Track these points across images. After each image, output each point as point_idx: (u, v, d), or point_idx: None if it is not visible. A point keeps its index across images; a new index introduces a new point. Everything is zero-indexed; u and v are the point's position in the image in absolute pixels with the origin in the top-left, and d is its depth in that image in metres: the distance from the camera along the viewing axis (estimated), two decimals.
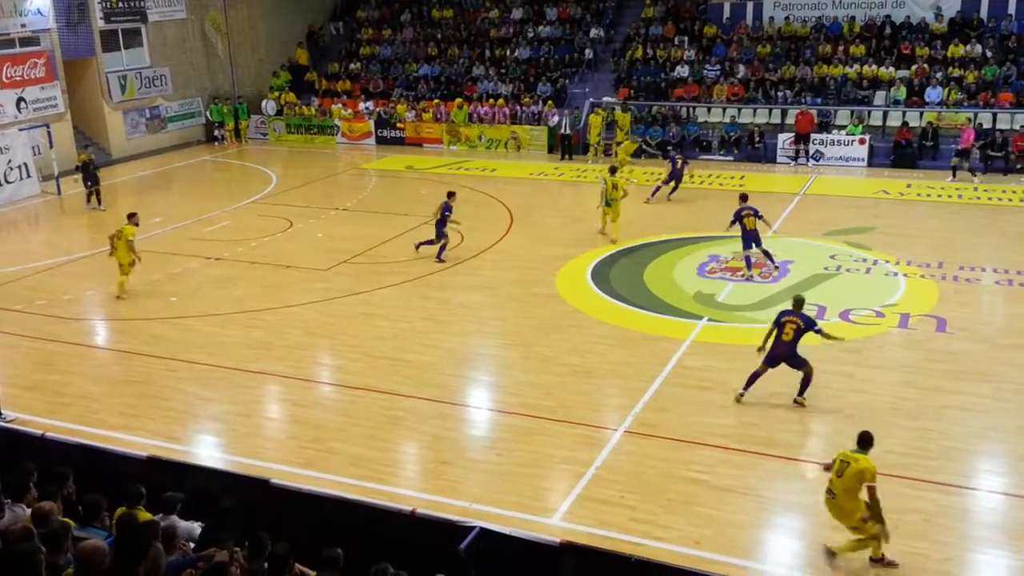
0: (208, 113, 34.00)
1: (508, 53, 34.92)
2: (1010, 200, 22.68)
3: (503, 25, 36.20)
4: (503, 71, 34.22)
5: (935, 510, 9.56)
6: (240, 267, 18.58)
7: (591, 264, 18.10)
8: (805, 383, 11.94)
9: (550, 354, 13.89)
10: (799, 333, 11.81)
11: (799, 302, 12.21)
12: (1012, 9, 29.18)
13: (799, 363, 11.92)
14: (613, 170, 20.62)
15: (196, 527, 7.57)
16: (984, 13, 29.53)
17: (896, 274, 17.07)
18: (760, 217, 17.26)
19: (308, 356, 14.23)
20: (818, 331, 11.89)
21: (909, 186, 24.12)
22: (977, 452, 10.92)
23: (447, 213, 18.43)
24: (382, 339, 14.64)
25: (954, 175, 24.66)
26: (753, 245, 17.28)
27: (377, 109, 33.77)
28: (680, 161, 23.40)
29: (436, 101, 33.02)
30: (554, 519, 9.60)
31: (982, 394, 12.07)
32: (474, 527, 7.74)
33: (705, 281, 16.98)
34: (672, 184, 23.18)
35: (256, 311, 16.01)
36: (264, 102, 34.77)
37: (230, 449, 11.38)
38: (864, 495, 8.44)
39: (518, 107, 31.92)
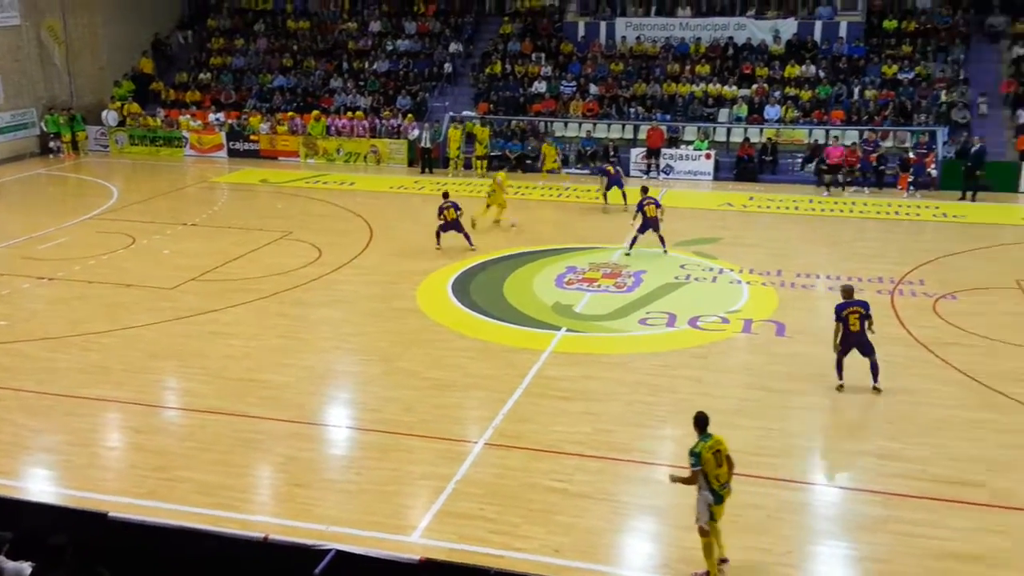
0: (43, 124, 32.09)
1: (367, 66, 34.66)
2: (842, 211, 24.21)
3: (361, 38, 35.91)
4: (361, 84, 33.92)
5: (777, 505, 10.04)
6: (77, 287, 17.59)
7: (451, 278, 18.13)
8: (875, 371, 12.67)
9: (411, 368, 13.80)
10: (863, 320, 12.51)
11: (849, 291, 12.90)
12: (843, 32, 31.27)
13: (870, 351, 12.64)
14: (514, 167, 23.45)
15: (26, 567, 7.08)
16: (817, 36, 31.52)
17: (740, 282, 17.90)
18: (660, 207, 19.44)
19: (151, 380, 13.57)
20: (870, 316, 12.61)
21: (751, 198, 25.37)
22: (816, 448, 11.56)
23: (459, 212, 19.78)
24: (233, 359, 14.16)
25: (828, 190, 26.00)
26: (650, 231, 19.37)
27: (229, 121, 32.79)
28: (612, 169, 24.07)
29: (292, 113, 32.37)
30: (414, 536, 9.51)
31: (819, 394, 12.79)
32: (329, 550, 7.57)
33: (563, 292, 17.31)
34: (618, 190, 23.67)
35: (94, 334, 15.18)
36: (105, 113, 33.12)
37: (64, 482, 10.73)
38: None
39: (377, 120, 31.69)
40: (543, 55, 33.45)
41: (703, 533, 8.75)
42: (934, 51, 30.30)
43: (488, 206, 22.01)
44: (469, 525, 9.67)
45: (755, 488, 10.34)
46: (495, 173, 24.03)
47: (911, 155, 26.37)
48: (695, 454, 8.63)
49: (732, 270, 18.61)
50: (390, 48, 35.20)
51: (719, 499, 8.70)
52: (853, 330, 12.51)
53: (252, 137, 32.03)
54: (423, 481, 10.61)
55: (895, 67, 29.88)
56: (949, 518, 9.71)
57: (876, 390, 12.70)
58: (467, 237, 19.99)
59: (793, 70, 30.69)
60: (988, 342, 14.56)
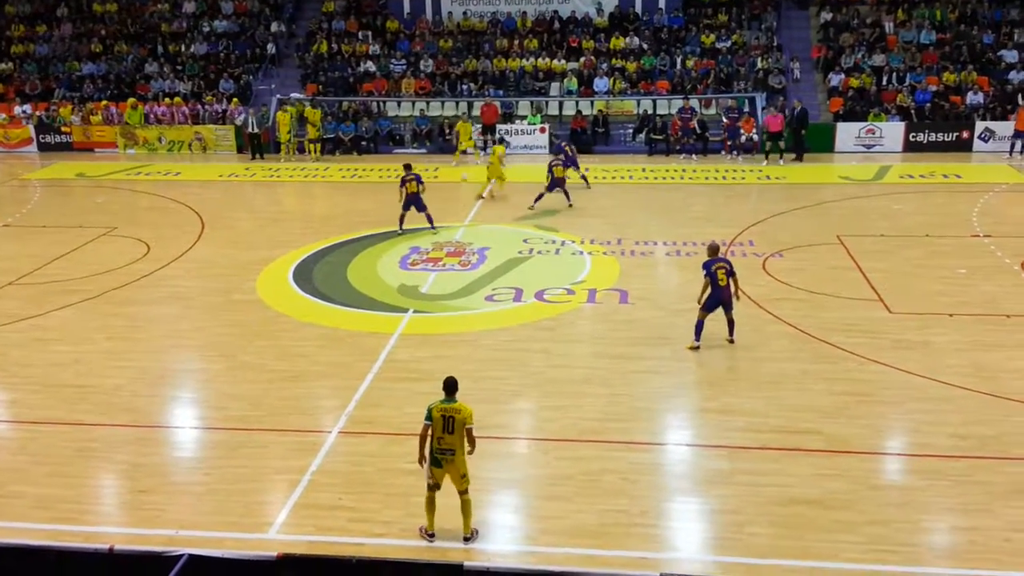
0: None
1: (183, 49, 32.97)
2: (672, 179, 25.13)
3: (175, 19, 34.09)
4: (179, 68, 32.26)
5: (629, 468, 10.32)
6: None
7: (292, 266, 17.58)
8: (732, 326, 13.37)
9: (256, 362, 13.30)
10: (729, 275, 13.09)
11: (715, 248, 13.47)
12: (663, 3, 32.31)
13: (730, 307, 13.23)
14: (502, 140, 24.83)
15: None
16: (639, 8, 32.44)
17: (582, 253, 18.27)
18: (567, 166, 20.72)
19: None
20: (735, 276, 13.22)
21: (587, 170, 25.89)
22: (663, 410, 11.95)
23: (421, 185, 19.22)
24: (61, 365, 13.21)
25: (767, 159, 26.51)
26: (557, 189, 20.73)
27: (37, 113, 30.47)
28: (568, 148, 23.77)
29: (105, 102, 30.42)
30: (271, 533, 9.18)
31: (663, 356, 13.24)
32: (181, 555, 7.20)
33: (408, 273, 17.12)
34: (576, 172, 23.39)
35: None
36: None
37: None
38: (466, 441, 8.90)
39: (199, 106, 30.26)
40: (370, 33, 32.86)
41: (428, 488, 8.98)
42: (748, 19, 31.82)
43: (489, 179, 22.81)
44: (328, 516, 9.44)
45: (608, 452, 10.60)
46: (494, 147, 24.42)
47: (724, 120, 27.62)
48: (428, 410, 8.89)
49: (574, 242, 18.96)
50: (207, 29, 33.61)
51: (436, 462, 8.88)
52: (721, 285, 13.09)
53: (64, 129, 29.94)
54: (277, 476, 10.26)
55: (713, 36, 31.19)
56: (790, 466, 10.27)
57: (731, 342, 13.45)
58: (428, 217, 19.42)
59: (618, 42, 31.49)
60: (813, 295, 15.50)
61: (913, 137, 27.46)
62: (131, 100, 30.13)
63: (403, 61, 31.61)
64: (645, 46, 31.29)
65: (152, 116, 30.01)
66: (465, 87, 30.66)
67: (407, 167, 19.45)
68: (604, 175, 25.58)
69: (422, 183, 19.29)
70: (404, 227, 19.52)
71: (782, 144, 26.50)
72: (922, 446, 10.75)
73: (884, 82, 29.14)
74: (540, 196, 20.78)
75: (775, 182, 24.15)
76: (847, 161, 26.63)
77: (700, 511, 9.60)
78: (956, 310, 14.69)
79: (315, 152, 28.25)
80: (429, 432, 8.83)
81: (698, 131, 27.66)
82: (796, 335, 13.91)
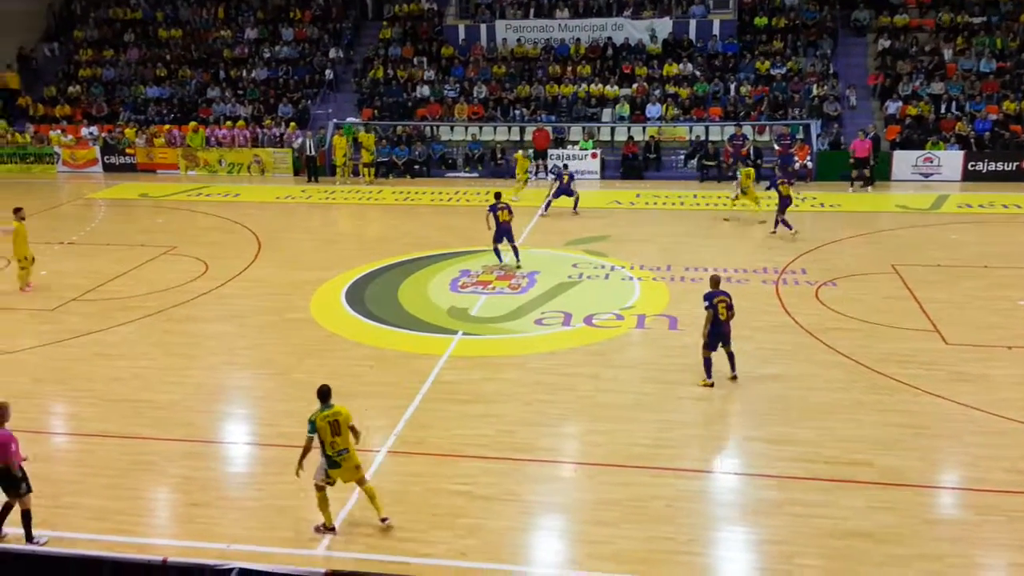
0: None
1: (244, 74, 33.84)
2: (724, 205, 24.98)
3: (237, 45, 35.03)
4: (240, 92, 33.10)
5: (676, 495, 10.25)
6: None
7: (345, 287, 17.85)
8: (733, 359, 13.05)
9: (307, 380, 13.45)
10: (730, 309, 12.84)
11: (716, 280, 13.29)
12: (716, 30, 32.31)
13: (728, 341, 12.99)
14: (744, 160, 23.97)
15: None
16: (692, 34, 32.47)
17: (631, 278, 18.25)
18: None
19: (35, 405, 12.88)
20: (732, 308, 12.94)
21: (638, 195, 25.92)
22: (711, 437, 11.88)
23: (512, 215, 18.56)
24: (120, 380, 13.57)
25: (852, 185, 26.27)
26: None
27: (102, 134, 31.49)
28: (566, 176, 23.91)
29: (168, 125, 31.31)
30: (319, 550, 9.31)
31: (715, 384, 13.13)
32: (231, 569, 7.35)
33: (458, 296, 17.27)
34: (568, 198, 23.72)
35: None
36: None
37: None
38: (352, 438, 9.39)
39: (259, 129, 30.99)
40: (425, 59, 33.38)
41: (318, 488, 9.45)
42: (804, 46, 31.66)
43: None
44: (375, 535, 9.53)
45: (655, 479, 10.55)
46: (516, 153, 26.32)
47: (776, 147, 27.39)
48: (311, 422, 9.30)
49: (623, 267, 18.96)
50: (268, 55, 34.47)
51: (334, 464, 9.34)
52: (722, 318, 12.85)
53: (128, 150, 30.86)
54: (327, 493, 10.38)
55: (768, 63, 31.07)
56: (842, 498, 10.10)
57: (734, 378, 13.10)
58: (515, 250, 18.70)
59: (671, 68, 31.53)
60: (868, 325, 15.27)
61: (972, 166, 26.98)
62: (192, 123, 30.98)
63: (457, 87, 32.03)
64: (698, 73, 31.28)
65: (213, 139, 30.81)
66: (517, 112, 30.94)
67: (497, 196, 18.85)
68: (655, 201, 25.54)
69: (512, 213, 18.63)
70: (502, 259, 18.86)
71: (867, 172, 26.19)
72: (977, 480, 10.51)
73: (943, 110, 28.71)
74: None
75: (829, 210, 23.91)
76: (904, 190, 26.23)
77: (748, 541, 9.49)
78: (1014, 343, 14.35)
79: (369, 175, 28.71)
80: (315, 442, 9.31)
81: (752, 158, 27.48)
82: (849, 365, 13.71)
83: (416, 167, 29.56)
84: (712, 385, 12.96)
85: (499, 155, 29.14)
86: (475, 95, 31.65)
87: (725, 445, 11.71)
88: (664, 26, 32.66)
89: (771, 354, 13.91)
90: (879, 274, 18.09)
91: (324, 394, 9.46)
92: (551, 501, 10.29)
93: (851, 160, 26.35)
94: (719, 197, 25.84)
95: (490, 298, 17.13)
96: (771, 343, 14.30)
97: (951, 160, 27.06)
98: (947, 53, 30.31)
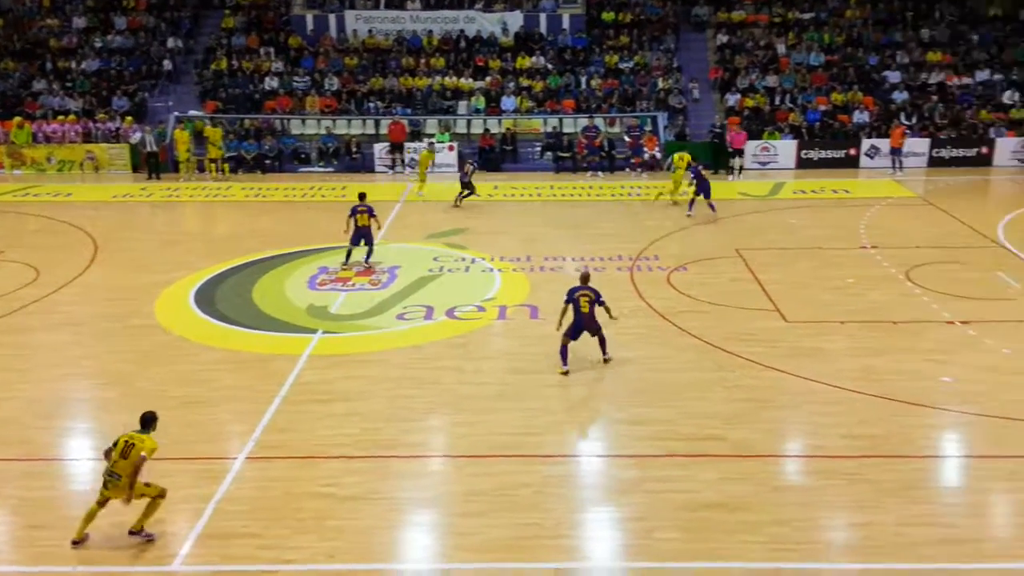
0: None
1: (74, 65, 31.84)
2: (579, 196, 25.49)
3: (64, 34, 32.92)
4: (69, 85, 31.13)
5: (542, 481, 10.38)
6: None
7: (193, 288, 17.11)
8: (604, 344, 13.38)
9: (154, 389, 12.86)
10: (592, 304, 13.15)
11: (585, 277, 13.59)
12: (566, 24, 32.87)
13: (597, 329, 13.26)
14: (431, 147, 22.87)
15: None
16: (543, 28, 32.90)
17: (492, 270, 18.34)
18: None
19: None
20: (603, 303, 13.23)
21: (496, 187, 26.05)
22: (575, 422, 12.08)
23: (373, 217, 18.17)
24: None
25: (730, 173, 27.37)
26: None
27: None
28: (469, 168, 23.75)
29: None
30: (175, 565, 8.88)
31: (574, 370, 13.33)
32: None
33: (317, 294, 16.87)
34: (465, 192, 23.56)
35: None
36: None
37: None
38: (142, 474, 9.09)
39: (92, 124, 29.22)
40: (272, 49, 32.40)
41: (96, 502, 9.21)
42: (649, 41, 32.65)
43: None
44: (235, 544, 9.18)
45: (522, 467, 10.65)
46: (423, 151, 26.13)
47: (626, 139, 28.26)
48: (118, 438, 9.25)
49: (483, 259, 19.02)
50: (100, 45, 32.57)
51: (104, 483, 9.15)
52: (583, 312, 13.18)
53: None
54: (181, 505, 9.91)
55: (616, 57, 31.87)
56: (697, 472, 10.49)
57: (606, 362, 13.49)
58: (370, 252, 18.04)
59: (524, 61, 31.86)
60: (716, 307, 15.93)
61: (805, 154, 28.57)
62: (17, 119, 28.87)
63: (307, 78, 31.26)
64: (550, 66, 31.74)
65: (41, 135, 28.85)
66: (372, 105, 30.51)
67: (361, 196, 18.43)
68: (513, 192, 25.76)
69: (374, 216, 18.24)
70: (349, 261, 18.15)
71: (742, 162, 27.56)
72: (818, 448, 11.16)
73: (777, 102, 30.27)
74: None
75: (679, 198, 24.74)
76: (745, 178, 27.48)
77: (611, 519, 9.72)
78: (847, 318, 15.31)
79: (215, 171, 27.61)
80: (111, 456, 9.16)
81: (605, 149, 28.15)
82: (700, 346, 14.25)
83: (267, 162, 28.65)
84: (567, 373, 13.17)
85: (354, 149, 28.64)
86: (327, 87, 30.99)
87: (587, 429, 11.94)
88: (515, 19, 32.95)
89: (629, 339, 14.27)
90: (725, 258, 18.89)
91: (145, 421, 9.33)
92: (418, 496, 10.20)
93: (730, 150, 27.71)
94: (574, 187, 26.34)
95: (350, 295, 16.81)
96: (628, 328, 14.68)
97: (786, 149, 28.57)
98: (780, 48, 31.97)
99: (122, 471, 8.96)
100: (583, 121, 29.17)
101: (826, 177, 27.09)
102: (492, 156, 28.70)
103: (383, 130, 29.42)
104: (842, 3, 33.33)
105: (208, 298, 16.61)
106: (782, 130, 29.05)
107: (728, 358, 13.74)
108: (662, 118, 29.19)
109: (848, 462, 10.70)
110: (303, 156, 29.16)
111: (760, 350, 13.97)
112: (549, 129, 29.79)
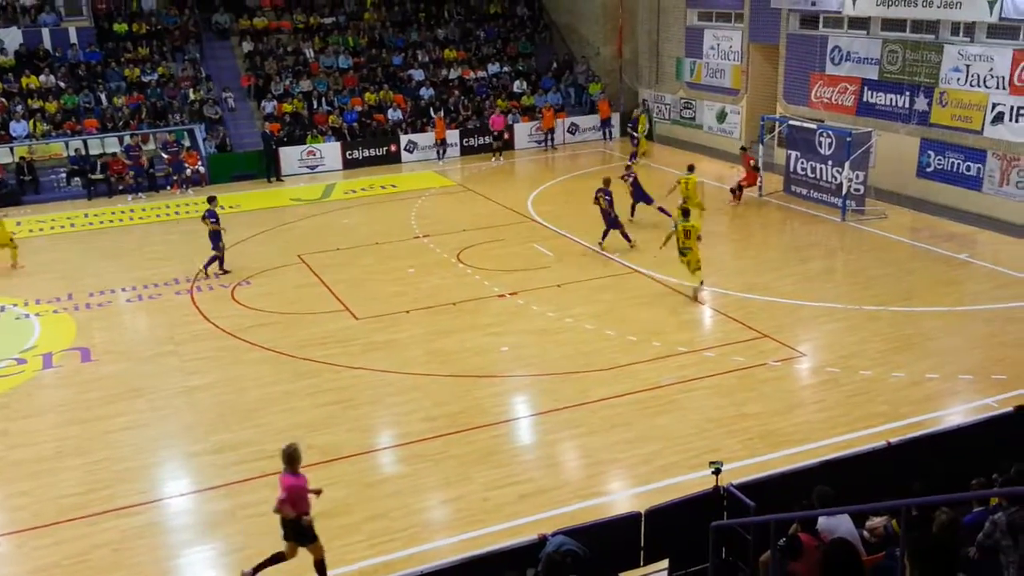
0: None
1: None
2: (121, 221, 23.60)
3: None
4: None
5: (121, 536, 9.53)
6: None
7: None
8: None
9: None
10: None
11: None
12: (74, 38, 30.01)
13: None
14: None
15: None
16: (48, 44, 29.71)
17: (28, 315, 16.29)
18: None
19: None
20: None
21: (19, 224, 23.11)
22: (151, 464, 11.21)
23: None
24: None
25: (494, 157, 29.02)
26: None
27: None
28: None
29: None
30: None
31: (140, 409, 12.42)
32: None
33: None
34: None
35: None
36: None
37: None
38: None
39: None
40: None
41: None
42: (171, 51, 31.09)
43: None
44: None
45: (94, 527, 9.69)
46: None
47: (165, 156, 26.81)
48: None
49: (16, 305, 16.82)
50: None
51: None
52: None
53: None
54: None
55: (137, 70, 29.88)
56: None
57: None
58: None
59: (30, 81, 28.54)
60: (285, 316, 15.80)
61: (350, 155, 29.41)
62: None
63: None
64: (63, 84, 28.81)
65: None
66: None
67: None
68: (40, 227, 23.05)
69: None
70: None
71: (501, 144, 29.93)
72: (403, 435, 11.64)
73: (315, 106, 30.73)
74: None
75: (230, 211, 23.98)
76: (295, 183, 27.56)
77: (209, 557, 9.23)
78: (412, 306, 16.14)
79: None
80: None
81: (147, 168, 26.33)
82: (275, 358, 14.05)
83: None
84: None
85: None
86: None
87: (166, 469, 11.17)
88: (13, 36, 29.30)
89: (198, 364, 13.61)
90: (288, 266, 18.81)
91: None
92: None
93: (493, 134, 29.91)
94: (113, 212, 24.32)
95: None
96: (195, 353, 13.98)
97: (331, 151, 29.15)
98: (309, 52, 32.43)
99: None
100: (111, 140, 26.93)
101: (373, 175, 28.16)
102: (7, 190, 25.33)
103: None
104: (360, 7, 34.72)
105: None
106: (324, 133, 29.58)
107: (306, 364, 13.73)
108: (199, 130, 28.08)
109: (432, 443, 11.29)
110: None
111: (336, 351, 14.17)
112: (72, 153, 27.08)
